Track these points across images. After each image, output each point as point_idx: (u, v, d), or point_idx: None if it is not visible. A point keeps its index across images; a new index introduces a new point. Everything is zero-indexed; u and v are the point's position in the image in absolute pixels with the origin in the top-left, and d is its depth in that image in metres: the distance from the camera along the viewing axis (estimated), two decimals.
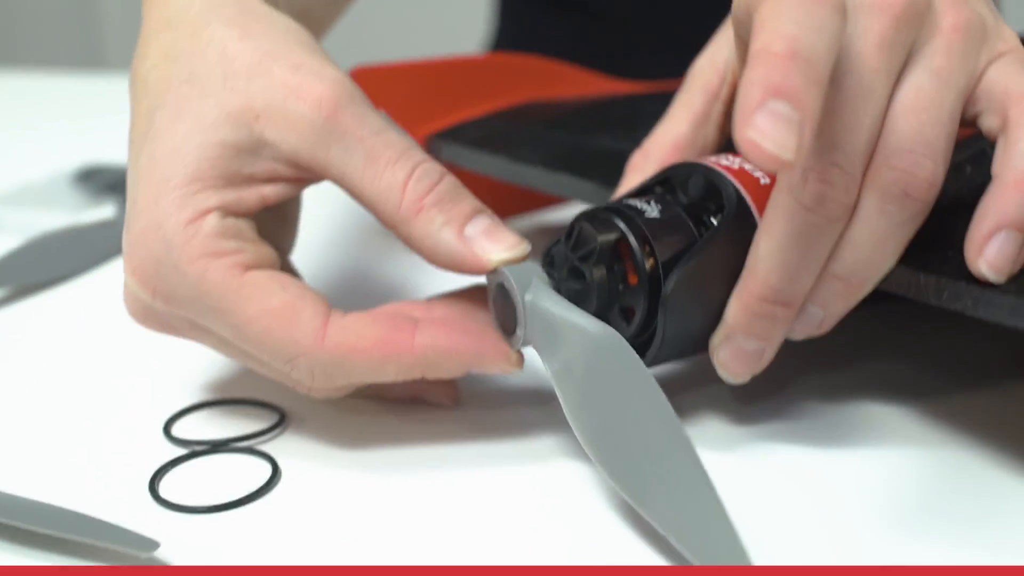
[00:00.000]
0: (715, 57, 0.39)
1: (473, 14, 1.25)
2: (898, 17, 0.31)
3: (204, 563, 0.30)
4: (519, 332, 0.32)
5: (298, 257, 0.40)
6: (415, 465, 0.34)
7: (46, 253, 0.51)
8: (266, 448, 0.35)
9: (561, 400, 0.32)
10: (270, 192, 0.34)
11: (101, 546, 0.29)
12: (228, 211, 0.33)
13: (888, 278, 0.32)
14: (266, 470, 0.33)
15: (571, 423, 0.31)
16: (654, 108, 0.41)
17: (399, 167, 0.33)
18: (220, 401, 0.37)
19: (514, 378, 0.39)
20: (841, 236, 0.31)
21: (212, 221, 0.32)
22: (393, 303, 0.34)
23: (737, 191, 0.33)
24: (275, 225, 0.37)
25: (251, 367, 0.35)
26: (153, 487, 0.32)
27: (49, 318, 0.46)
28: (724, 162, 0.34)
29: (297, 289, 0.33)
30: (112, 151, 0.68)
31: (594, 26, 0.81)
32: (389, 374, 0.32)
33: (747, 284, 0.32)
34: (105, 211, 0.57)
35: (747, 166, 0.34)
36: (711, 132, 0.39)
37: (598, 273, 0.33)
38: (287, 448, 0.35)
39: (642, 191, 0.35)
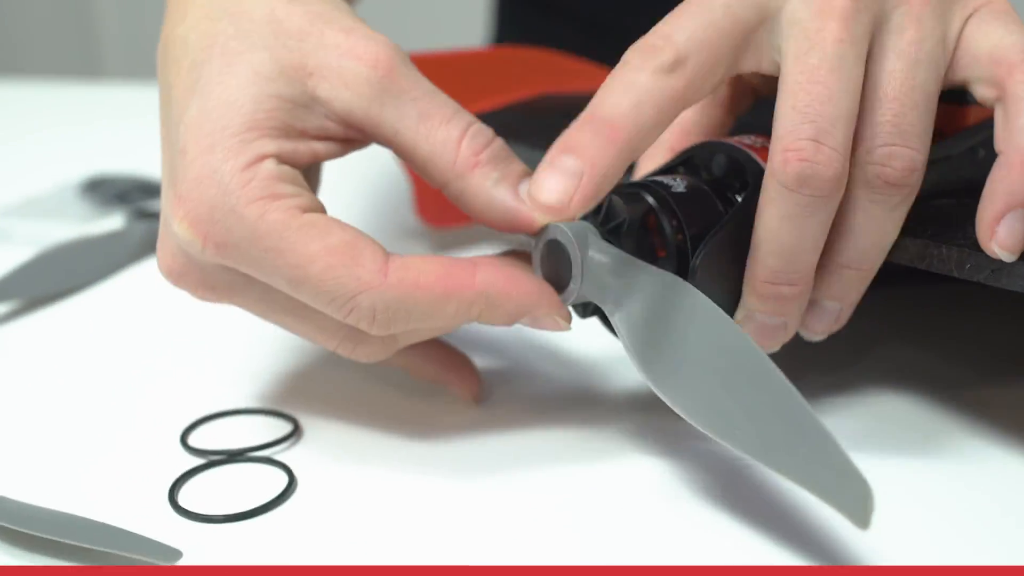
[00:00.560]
0: None
1: (471, 19, 1.26)
2: None
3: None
4: (573, 286, 0.33)
5: None
6: (428, 473, 0.34)
7: (56, 265, 0.51)
8: (281, 457, 0.35)
9: (625, 345, 0.32)
10: (321, 149, 0.34)
11: (124, 556, 0.30)
12: (283, 160, 0.33)
13: (911, 252, 0.32)
14: (282, 479, 0.34)
15: (637, 366, 0.32)
16: None
17: (453, 125, 0.34)
18: (235, 411, 0.38)
19: (530, 383, 0.39)
20: (840, 226, 0.32)
21: (269, 166, 0.32)
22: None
23: (760, 168, 0.33)
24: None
25: (291, 326, 0.34)
26: (172, 497, 0.33)
27: (62, 330, 0.46)
28: (747, 141, 0.35)
29: (354, 230, 0.32)
30: (116, 161, 0.68)
31: (589, 33, 0.82)
32: (449, 312, 0.32)
33: (751, 267, 0.33)
34: (114, 221, 0.58)
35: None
36: (717, 114, 0.39)
37: (628, 246, 0.33)
38: (302, 457, 0.35)
39: (667, 169, 0.36)
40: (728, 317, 0.30)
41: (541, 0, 0.84)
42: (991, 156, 0.32)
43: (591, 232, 0.33)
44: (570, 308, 0.34)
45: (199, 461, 0.35)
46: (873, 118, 0.31)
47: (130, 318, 0.47)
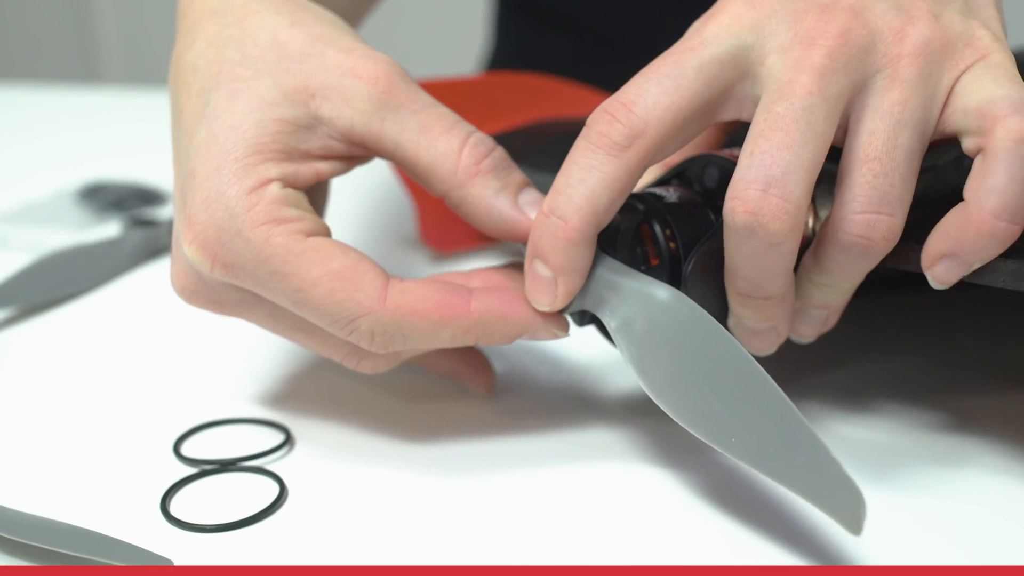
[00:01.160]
0: None
1: (470, 32, 1.26)
2: (831, 49, 0.31)
3: None
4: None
5: None
6: (419, 482, 0.35)
7: (52, 272, 0.52)
8: (272, 467, 0.36)
9: (623, 354, 0.33)
10: (324, 168, 0.35)
11: (115, 565, 0.30)
12: (287, 183, 0.34)
13: (897, 256, 0.32)
14: (273, 489, 0.34)
15: (636, 374, 0.32)
16: None
17: (453, 135, 0.35)
18: (227, 420, 0.38)
19: (526, 388, 0.40)
20: (815, 255, 0.33)
21: (274, 190, 0.33)
22: (440, 274, 0.35)
23: None
24: (315, 203, 0.38)
25: (299, 341, 0.36)
26: (164, 506, 0.33)
27: (57, 337, 0.47)
28: (737, 153, 0.35)
29: (356, 254, 0.33)
30: (113, 167, 0.69)
31: (589, 45, 0.82)
32: (445, 338, 0.33)
33: (727, 280, 0.34)
34: (110, 228, 0.58)
35: None
36: (711, 131, 0.40)
37: (622, 254, 0.34)
38: (293, 467, 0.36)
39: (661, 182, 0.36)
40: (722, 327, 0.31)
41: (540, 11, 0.85)
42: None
43: None
44: (567, 316, 0.35)
45: (191, 470, 0.35)
46: (853, 179, 0.31)
47: (125, 326, 0.48)
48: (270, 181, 0.33)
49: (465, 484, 0.35)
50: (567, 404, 0.39)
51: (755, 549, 0.31)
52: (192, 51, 0.36)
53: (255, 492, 0.34)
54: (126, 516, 0.33)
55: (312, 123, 0.34)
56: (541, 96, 0.56)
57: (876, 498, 0.32)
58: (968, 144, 0.32)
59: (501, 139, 0.51)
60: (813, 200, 0.34)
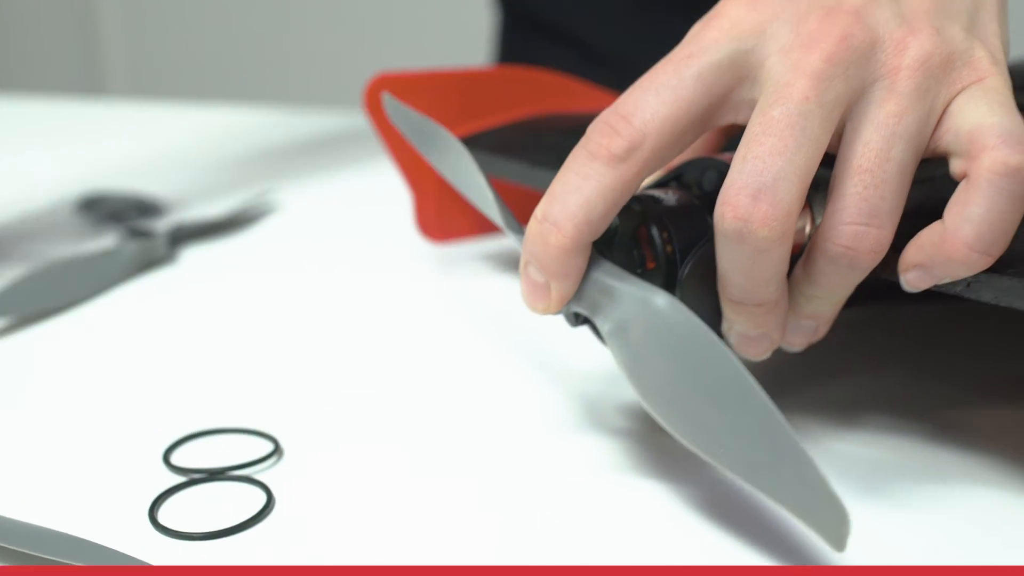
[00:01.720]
0: None
1: (473, 45, 1.27)
2: (831, 53, 0.31)
3: None
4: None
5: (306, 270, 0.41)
6: (407, 492, 0.35)
7: (48, 282, 0.52)
8: (261, 476, 0.36)
9: (616, 359, 0.33)
10: None
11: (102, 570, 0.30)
12: None
13: (891, 268, 0.33)
14: (261, 498, 0.35)
15: (628, 380, 0.32)
16: None
17: None
18: (217, 430, 0.39)
19: (522, 395, 0.40)
20: (805, 265, 0.33)
21: None
22: None
23: None
24: None
25: None
26: (152, 514, 0.34)
27: (52, 347, 0.47)
28: None
29: None
30: (112, 179, 0.69)
31: (589, 61, 0.83)
32: None
33: (719, 286, 0.34)
34: (108, 240, 0.59)
35: None
36: (711, 135, 0.39)
37: (618, 257, 0.34)
38: (280, 477, 0.36)
39: (659, 184, 0.37)
40: (716, 337, 0.31)
41: (539, 24, 0.85)
42: None
43: None
44: (562, 317, 0.35)
45: (180, 479, 0.36)
46: (844, 189, 0.31)
47: (120, 337, 0.48)
48: None
49: (455, 493, 0.35)
50: (570, 410, 0.40)
51: (756, 548, 0.31)
52: None
53: (243, 501, 0.35)
54: (115, 524, 0.34)
55: None
56: (551, 90, 0.56)
57: (864, 509, 0.33)
58: (955, 167, 0.32)
59: (502, 131, 0.52)
60: (811, 206, 0.34)
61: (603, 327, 0.33)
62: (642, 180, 0.33)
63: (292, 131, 0.83)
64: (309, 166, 0.73)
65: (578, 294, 0.33)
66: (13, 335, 0.48)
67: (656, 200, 0.35)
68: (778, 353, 0.36)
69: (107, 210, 0.63)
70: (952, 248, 0.31)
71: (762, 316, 0.34)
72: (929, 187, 0.33)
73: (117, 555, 0.31)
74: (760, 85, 0.32)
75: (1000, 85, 0.32)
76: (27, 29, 2.11)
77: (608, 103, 0.34)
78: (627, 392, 0.40)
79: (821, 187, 0.33)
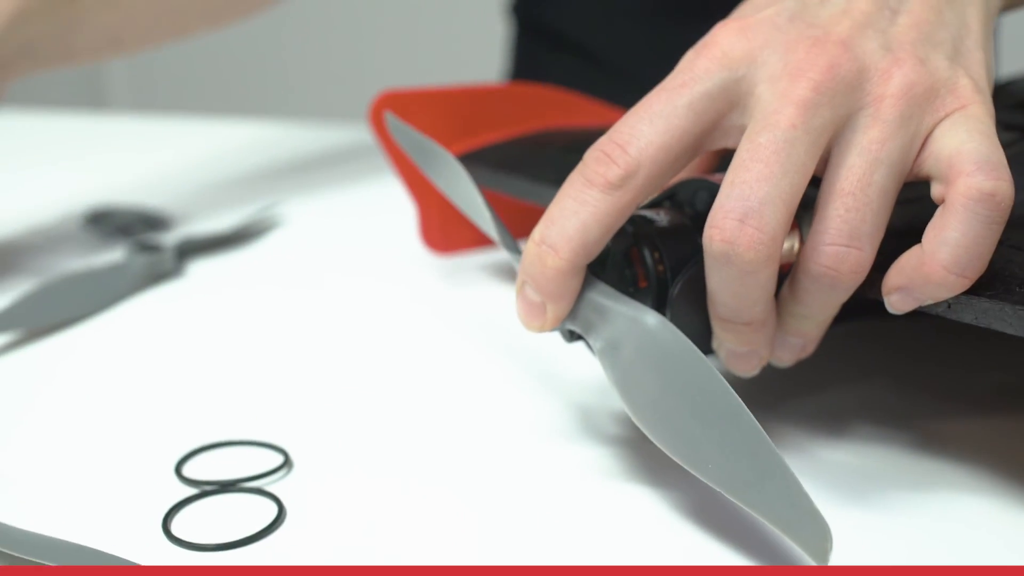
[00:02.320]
0: None
1: (486, 56, 1.28)
2: (818, 82, 0.32)
3: None
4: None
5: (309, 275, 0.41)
6: (416, 503, 0.35)
7: (57, 296, 0.52)
8: (271, 488, 0.36)
9: (608, 375, 0.34)
10: None
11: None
12: None
13: (877, 288, 0.33)
14: (272, 509, 0.35)
15: (619, 396, 0.33)
16: None
17: None
18: (228, 443, 0.39)
19: (522, 408, 0.41)
20: (790, 285, 0.34)
21: None
22: None
23: None
24: None
25: None
26: (165, 525, 0.34)
27: (62, 361, 0.47)
28: None
29: None
30: (119, 193, 0.70)
31: (599, 71, 0.83)
32: None
33: (709, 305, 0.35)
34: (116, 253, 0.59)
35: None
36: (704, 157, 0.40)
37: (611, 276, 0.35)
38: (291, 488, 0.36)
39: (651, 205, 0.37)
40: (704, 357, 0.32)
41: (554, 37, 0.86)
42: None
43: None
44: (558, 333, 0.36)
45: (193, 491, 0.36)
46: (826, 211, 0.32)
47: (129, 350, 0.48)
48: None
49: (465, 504, 0.35)
50: (567, 420, 0.40)
51: (752, 547, 0.32)
52: None
53: (254, 513, 0.35)
54: (129, 535, 0.34)
55: None
56: (561, 109, 0.57)
57: (850, 515, 0.34)
58: (934, 191, 0.33)
59: (504, 147, 0.53)
60: (800, 226, 0.35)
61: (595, 345, 0.34)
62: (636, 205, 0.34)
63: (297, 145, 0.83)
64: (314, 180, 0.74)
65: (572, 313, 0.34)
66: (23, 349, 0.48)
67: (648, 221, 0.36)
68: (767, 367, 0.36)
69: (115, 224, 0.63)
70: (930, 271, 0.31)
71: (750, 334, 0.34)
72: (918, 207, 0.34)
73: (110, 556, 0.32)
74: (749, 112, 0.33)
75: (981, 113, 0.33)
76: None
77: (611, 118, 0.34)
78: (620, 402, 0.40)
79: (810, 207, 0.34)
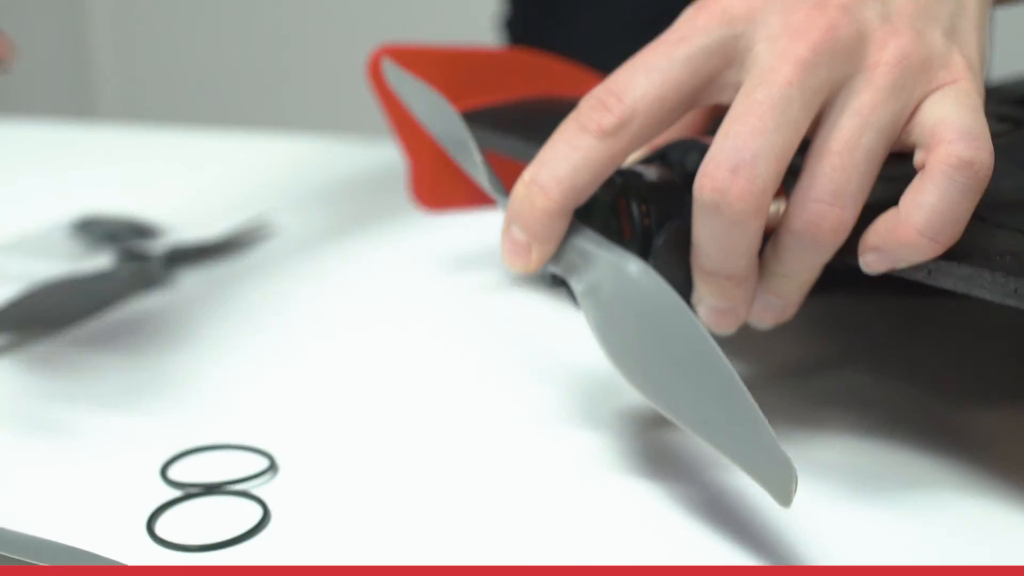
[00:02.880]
0: None
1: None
2: (816, 43, 0.33)
3: None
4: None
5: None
6: (401, 508, 0.36)
7: (44, 302, 0.52)
8: (257, 491, 0.37)
9: (587, 318, 0.34)
10: None
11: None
12: None
13: (846, 250, 0.34)
14: (257, 512, 0.35)
15: (597, 339, 0.34)
16: None
17: None
18: (214, 446, 0.39)
19: (514, 409, 0.41)
20: (774, 243, 0.34)
21: None
22: None
23: None
24: None
25: None
26: (150, 527, 0.34)
27: (49, 365, 0.48)
28: None
29: None
30: (108, 201, 0.70)
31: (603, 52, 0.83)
32: None
33: (692, 257, 0.35)
34: (103, 261, 0.59)
35: None
36: (697, 119, 0.40)
37: (596, 224, 0.35)
38: (276, 492, 0.37)
39: (643, 162, 0.38)
40: (682, 302, 0.32)
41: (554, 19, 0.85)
42: None
43: None
44: (540, 277, 0.36)
45: (178, 493, 0.37)
46: (813, 169, 0.33)
47: (115, 355, 0.49)
48: None
49: (451, 509, 0.36)
50: (564, 423, 0.41)
51: (749, 547, 0.32)
52: None
53: (239, 515, 0.35)
54: (114, 536, 0.34)
55: None
56: (556, 76, 0.56)
57: (840, 514, 0.34)
58: (916, 158, 0.33)
59: (501, 108, 0.52)
60: (786, 192, 0.35)
61: (577, 288, 0.35)
62: (628, 155, 0.34)
63: (287, 155, 0.84)
64: (305, 190, 0.74)
65: (556, 256, 0.35)
66: (9, 354, 0.48)
67: (638, 175, 0.36)
68: (761, 361, 0.37)
69: (102, 232, 0.63)
70: (904, 233, 0.32)
71: (732, 289, 0.35)
72: (901, 185, 0.34)
73: (95, 556, 0.32)
74: (746, 69, 0.34)
75: (971, 89, 0.34)
76: (19, 53, 2.12)
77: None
78: (620, 394, 0.41)
79: (797, 175, 0.34)
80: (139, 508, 0.35)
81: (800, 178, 0.33)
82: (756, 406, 0.31)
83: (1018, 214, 0.35)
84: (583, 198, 0.34)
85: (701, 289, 0.36)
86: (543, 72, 0.56)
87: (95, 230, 0.64)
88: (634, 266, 0.33)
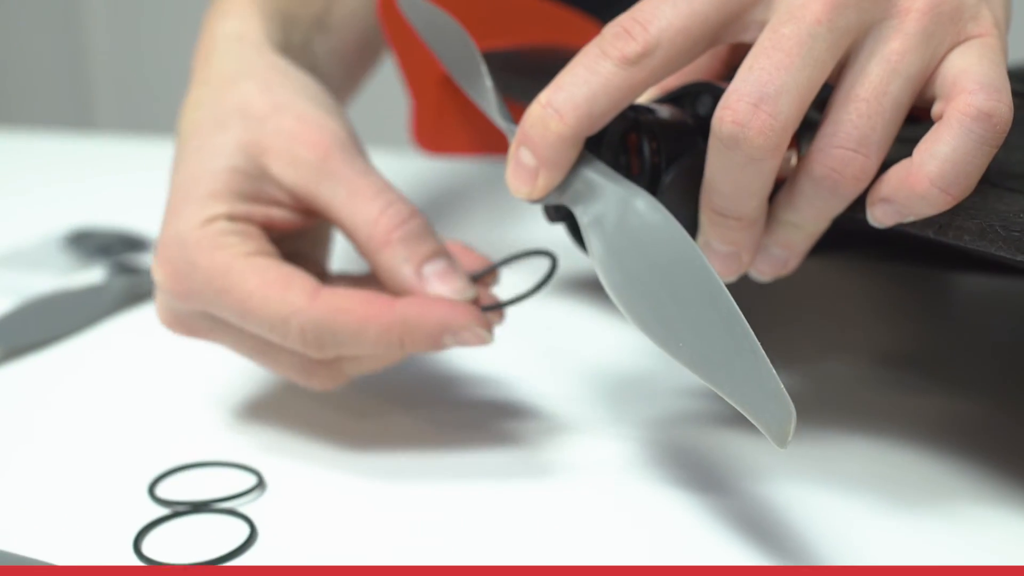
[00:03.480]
0: None
1: None
2: None
3: None
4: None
5: None
6: (389, 525, 0.36)
7: (36, 316, 0.53)
8: (244, 509, 0.37)
9: (590, 250, 0.34)
10: (277, 215, 0.39)
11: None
12: (237, 218, 0.38)
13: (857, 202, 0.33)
14: (244, 530, 0.35)
15: (598, 271, 0.33)
16: None
17: (374, 203, 0.38)
18: (201, 464, 0.39)
19: (507, 414, 0.41)
20: (787, 189, 0.34)
21: (221, 223, 0.38)
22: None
23: None
24: (309, 246, 0.42)
25: (258, 360, 0.39)
26: (137, 545, 0.34)
27: (40, 380, 0.48)
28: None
29: (292, 267, 0.37)
30: (102, 214, 0.70)
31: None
32: (371, 336, 0.36)
33: (703, 197, 0.35)
34: (95, 274, 0.59)
35: None
36: (705, 61, 0.39)
37: (605, 157, 0.35)
38: (263, 509, 0.37)
39: (656, 101, 0.37)
40: (689, 238, 0.32)
41: None
42: None
43: None
44: (542, 208, 0.36)
45: (165, 511, 0.36)
46: (839, 115, 0.32)
47: (106, 371, 0.49)
48: (219, 217, 0.38)
49: (438, 530, 0.36)
50: (560, 427, 0.40)
51: (748, 547, 0.33)
52: (185, 115, 0.42)
53: (227, 533, 0.35)
54: (100, 554, 0.34)
55: (261, 174, 0.39)
56: (583, 33, 0.55)
57: (839, 513, 0.34)
58: (935, 109, 0.33)
59: (519, 51, 0.50)
60: (799, 142, 0.35)
61: (582, 219, 0.34)
62: (648, 86, 0.34)
63: None
64: None
65: (562, 186, 0.34)
66: (1, 368, 0.48)
67: (650, 111, 0.36)
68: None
69: (95, 245, 0.63)
70: (915, 182, 0.32)
71: (738, 231, 0.35)
72: (912, 147, 0.34)
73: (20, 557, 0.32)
74: (773, 8, 0.33)
75: (997, 46, 0.33)
76: (17, 64, 2.12)
77: None
78: (636, 399, 0.41)
79: (812, 128, 0.34)
80: (126, 526, 0.35)
81: (823, 123, 0.33)
82: (759, 344, 0.30)
83: None
84: (598, 127, 0.34)
85: (707, 231, 0.35)
86: (566, 25, 0.55)
87: (88, 243, 0.64)
88: (642, 200, 0.33)
